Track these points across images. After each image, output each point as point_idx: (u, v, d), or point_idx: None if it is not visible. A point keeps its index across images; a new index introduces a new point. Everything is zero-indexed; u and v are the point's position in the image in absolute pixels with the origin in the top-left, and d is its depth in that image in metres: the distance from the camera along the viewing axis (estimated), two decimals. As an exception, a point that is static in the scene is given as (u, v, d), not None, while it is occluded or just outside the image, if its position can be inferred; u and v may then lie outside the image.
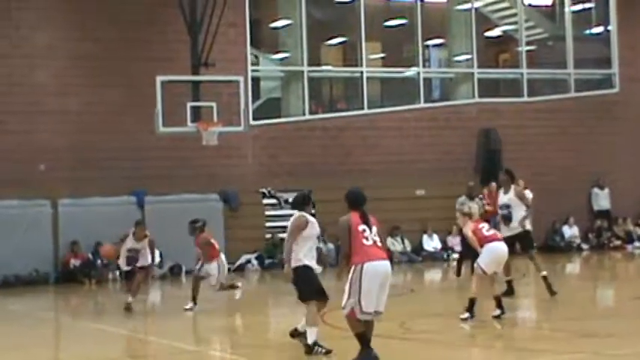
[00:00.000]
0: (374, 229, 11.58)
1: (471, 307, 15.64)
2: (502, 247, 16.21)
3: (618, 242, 33.85)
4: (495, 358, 13.28)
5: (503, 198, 19.65)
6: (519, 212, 19.18)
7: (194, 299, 19.10)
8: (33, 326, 19.49)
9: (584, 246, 33.60)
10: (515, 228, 19.17)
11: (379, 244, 11.57)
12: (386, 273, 11.47)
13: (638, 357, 12.79)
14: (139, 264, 19.35)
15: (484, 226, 16.35)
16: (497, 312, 15.70)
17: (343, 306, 11.34)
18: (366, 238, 11.39)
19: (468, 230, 16.34)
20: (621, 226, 34.45)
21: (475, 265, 16.18)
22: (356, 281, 11.19)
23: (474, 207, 17.00)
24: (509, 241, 18.27)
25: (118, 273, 20.93)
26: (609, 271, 28.32)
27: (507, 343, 14.53)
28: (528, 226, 19.44)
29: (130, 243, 19.32)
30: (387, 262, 11.59)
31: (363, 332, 11.29)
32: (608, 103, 35.17)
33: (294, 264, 12.65)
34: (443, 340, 14.85)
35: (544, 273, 18.85)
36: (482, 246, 15.96)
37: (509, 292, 18.84)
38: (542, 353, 13.08)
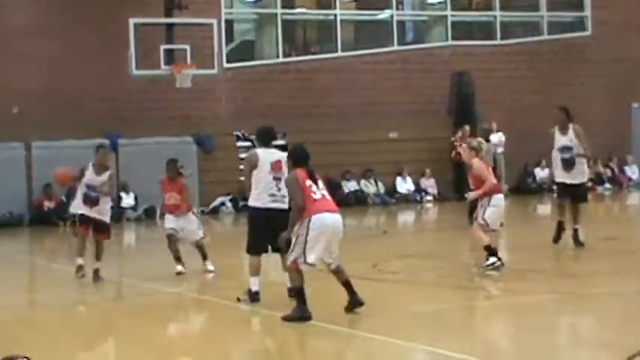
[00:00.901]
0: (320, 183, 11.61)
1: (491, 253, 14.83)
2: (503, 200, 15.19)
3: (588, 184, 33.93)
4: (467, 299, 13.35)
5: (561, 139, 17.38)
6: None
7: (179, 259, 16.06)
8: (7, 268, 19.47)
9: (555, 187, 33.74)
10: (577, 177, 17.49)
11: (328, 197, 11.59)
12: (335, 224, 11.38)
13: (612, 296, 12.90)
14: (96, 216, 15.40)
15: (490, 172, 15.20)
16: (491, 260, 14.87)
17: (288, 257, 11.34)
18: (314, 192, 11.34)
19: (481, 166, 14.93)
20: (591, 167, 34.42)
21: (478, 216, 14.97)
22: (303, 233, 11.12)
23: (484, 143, 15.28)
24: (569, 190, 17.51)
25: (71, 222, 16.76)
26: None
27: (481, 284, 14.59)
28: (587, 176, 18.14)
29: (88, 176, 15.50)
30: (338, 215, 11.50)
31: (302, 287, 11.23)
32: (580, 45, 35.27)
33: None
34: (415, 281, 15.00)
35: (578, 226, 17.40)
36: (487, 195, 14.78)
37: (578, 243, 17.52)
38: (517, 293, 13.16)
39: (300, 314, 11.14)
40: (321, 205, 11.33)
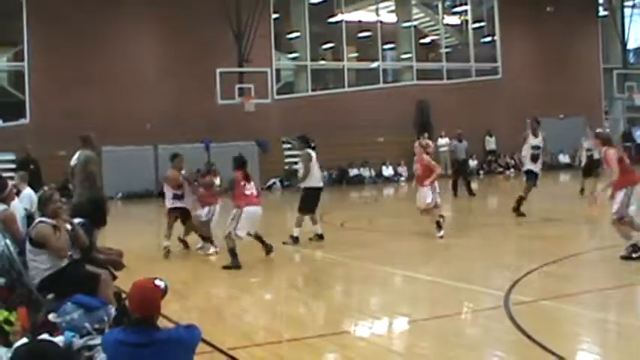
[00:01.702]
0: (252, 183, 10.93)
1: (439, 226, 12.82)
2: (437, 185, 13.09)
3: (500, 169, 34.07)
4: (431, 242, 13.40)
5: (535, 140, 15.81)
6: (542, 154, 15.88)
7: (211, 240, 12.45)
8: (147, 223, 19.66)
9: (481, 172, 33.80)
10: (538, 166, 15.85)
11: (255, 193, 10.93)
12: (257, 212, 10.89)
13: (524, 237, 12.99)
14: (182, 205, 12.50)
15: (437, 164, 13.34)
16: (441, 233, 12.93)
17: (225, 229, 10.85)
18: (247, 189, 10.81)
19: (430, 159, 12.92)
20: (502, 159, 34.60)
21: (429, 200, 12.87)
22: (237, 217, 10.69)
23: (430, 142, 13.70)
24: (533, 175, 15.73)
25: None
26: (495, 187, 28.43)
27: (432, 231, 14.66)
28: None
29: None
30: (260, 206, 10.91)
31: (234, 248, 10.69)
32: (494, 84, 35.20)
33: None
34: (396, 231, 15.07)
35: (522, 195, 15.66)
36: (432, 181, 12.82)
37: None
38: (461, 237, 13.23)
39: (234, 264, 10.64)
40: (250, 199, 10.76)
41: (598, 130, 15.21)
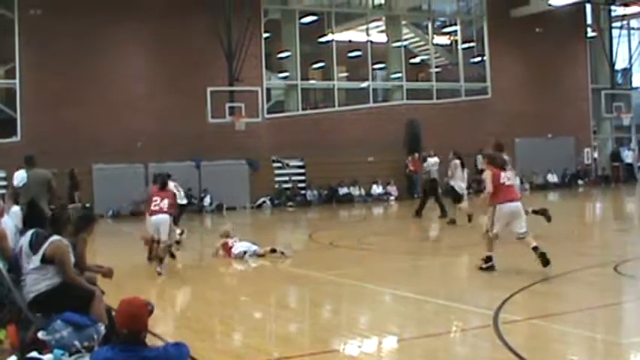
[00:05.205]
0: (165, 200, 12.30)
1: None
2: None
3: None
4: (415, 260, 13.45)
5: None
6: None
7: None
8: (138, 241, 19.54)
9: (470, 191, 33.70)
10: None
11: (163, 207, 12.23)
12: (157, 222, 12.20)
13: (513, 256, 12.97)
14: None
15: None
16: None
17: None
18: (155, 203, 12.32)
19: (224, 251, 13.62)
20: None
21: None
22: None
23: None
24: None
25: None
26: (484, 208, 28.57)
27: (425, 251, 14.71)
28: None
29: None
30: (162, 216, 12.17)
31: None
32: (484, 103, 35.33)
33: None
34: (384, 249, 15.05)
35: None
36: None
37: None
38: (445, 256, 13.23)
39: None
40: (154, 210, 12.28)
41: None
